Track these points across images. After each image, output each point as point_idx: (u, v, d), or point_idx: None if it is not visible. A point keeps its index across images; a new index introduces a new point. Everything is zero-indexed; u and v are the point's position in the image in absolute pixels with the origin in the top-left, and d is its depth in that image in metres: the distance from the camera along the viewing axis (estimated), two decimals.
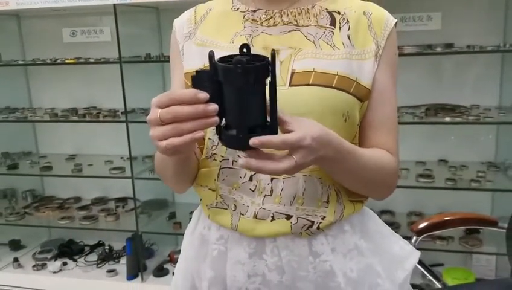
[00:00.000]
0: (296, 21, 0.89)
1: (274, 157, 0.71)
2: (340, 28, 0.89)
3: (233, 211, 0.88)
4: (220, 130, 0.72)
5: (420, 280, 2.28)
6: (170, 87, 0.99)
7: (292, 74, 0.84)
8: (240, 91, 0.68)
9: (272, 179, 0.85)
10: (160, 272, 2.65)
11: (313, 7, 0.91)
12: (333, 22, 0.89)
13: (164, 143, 0.70)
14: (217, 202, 0.90)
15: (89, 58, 2.68)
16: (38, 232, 3.04)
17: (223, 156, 0.88)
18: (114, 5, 2.31)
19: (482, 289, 1.66)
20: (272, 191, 0.85)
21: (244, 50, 0.70)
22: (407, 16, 2.34)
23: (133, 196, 2.57)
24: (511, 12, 2.28)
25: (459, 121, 2.19)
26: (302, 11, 0.90)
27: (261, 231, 0.86)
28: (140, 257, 2.62)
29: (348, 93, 0.84)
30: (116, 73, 2.40)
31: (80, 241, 2.97)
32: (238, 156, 0.83)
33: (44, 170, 2.74)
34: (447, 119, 2.20)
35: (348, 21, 0.89)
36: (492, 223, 1.75)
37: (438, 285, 1.66)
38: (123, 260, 2.73)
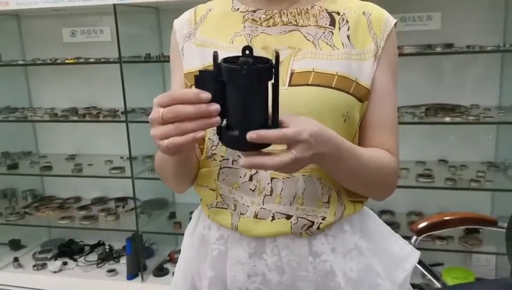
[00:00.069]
0: (296, 21, 0.89)
1: (274, 154, 0.71)
2: (339, 28, 0.89)
3: (234, 210, 0.88)
4: (220, 131, 0.72)
5: (420, 280, 2.28)
6: (170, 88, 0.99)
7: (291, 74, 0.84)
8: (244, 92, 0.68)
9: (272, 179, 0.85)
10: (160, 272, 2.66)
11: (312, 7, 0.91)
12: (333, 22, 0.89)
13: (165, 142, 0.70)
14: (217, 202, 0.90)
15: (89, 58, 2.69)
16: (38, 232, 3.04)
17: (223, 156, 0.88)
18: (114, 5, 2.31)
19: (482, 289, 1.66)
20: (271, 191, 0.85)
21: (247, 52, 0.71)
22: (407, 16, 2.34)
23: (133, 195, 2.57)
24: (511, 12, 2.28)
25: (459, 121, 2.19)
26: (301, 11, 0.90)
27: (261, 231, 0.86)
28: (141, 256, 2.62)
29: (348, 93, 0.85)
30: (116, 73, 2.40)
31: (80, 241, 2.98)
32: (238, 156, 0.83)
33: (44, 169, 2.74)
34: (447, 119, 2.20)
35: (347, 21, 0.89)
36: (492, 223, 1.75)
37: (438, 285, 1.66)
38: (123, 260, 2.73)
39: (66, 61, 2.66)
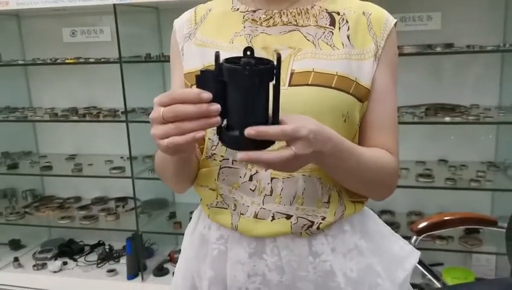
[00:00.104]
0: (296, 21, 0.89)
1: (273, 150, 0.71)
2: (339, 28, 0.89)
3: (234, 210, 0.88)
4: (220, 131, 0.72)
5: (420, 280, 2.28)
6: (170, 87, 0.99)
7: (291, 73, 0.84)
8: (245, 93, 0.68)
9: (272, 179, 0.85)
10: (160, 271, 2.66)
11: (312, 7, 0.91)
12: (333, 22, 0.89)
13: (165, 142, 0.70)
14: (217, 202, 0.90)
15: (89, 58, 2.68)
16: (38, 232, 3.04)
17: (223, 156, 0.88)
18: (114, 5, 2.31)
19: (482, 289, 1.66)
20: (271, 191, 0.85)
21: (248, 53, 0.71)
22: (407, 16, 2.34)
23: (133, 195, 2.57)
24: (511, 12, 2.28)
25: (459, 121, 2.19)
26: (301, 11, 0.90)
27: (261, 231, 0.86)
28: (141, 256, 2.62)
29: (348, 93, 0.85)
30: (116, 73, 2.40)
31: (80, 241, 2.98)
32: None
33: (45, 169, 2.74)
34: (447, 119, 2.20)
35: (347, 21, 0.89)
36: (492, 223, 1.75)
37: (438, 285, 1.66)
38: (123, 260, 2.73)
39: (66, 61, 2.66)
